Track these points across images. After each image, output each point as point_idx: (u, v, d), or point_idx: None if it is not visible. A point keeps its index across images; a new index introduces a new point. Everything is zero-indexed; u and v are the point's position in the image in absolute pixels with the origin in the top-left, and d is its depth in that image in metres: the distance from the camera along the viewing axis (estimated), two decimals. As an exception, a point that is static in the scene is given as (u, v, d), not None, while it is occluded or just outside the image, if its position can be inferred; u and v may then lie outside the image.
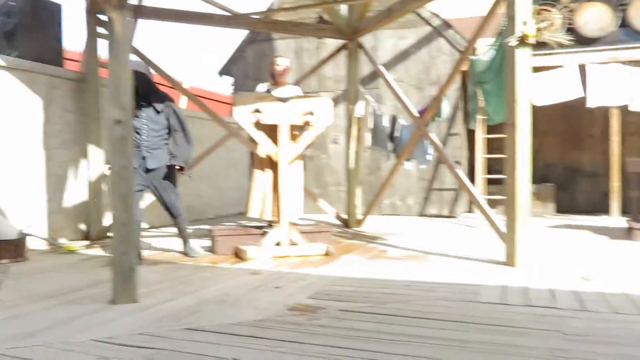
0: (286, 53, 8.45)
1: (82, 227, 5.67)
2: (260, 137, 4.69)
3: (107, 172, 4.48)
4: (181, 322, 2.62)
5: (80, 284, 3.50)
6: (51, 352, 2.21)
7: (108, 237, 5.57)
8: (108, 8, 2.94)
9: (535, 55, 6.87)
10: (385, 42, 8.26)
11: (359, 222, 6.70)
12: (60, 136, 5.38)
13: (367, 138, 6.57)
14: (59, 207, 5.37)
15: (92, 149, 5.64)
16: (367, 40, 7.54)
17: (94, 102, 5.64)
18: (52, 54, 5.51)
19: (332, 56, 6.94)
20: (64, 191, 5.44)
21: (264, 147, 4.74)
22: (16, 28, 5.20)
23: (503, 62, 4.91)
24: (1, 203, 4.74)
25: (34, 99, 5.11)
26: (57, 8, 5.61)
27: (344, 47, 6.72)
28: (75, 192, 5.57)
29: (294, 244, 4.66)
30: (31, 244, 4.75)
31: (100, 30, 5.66)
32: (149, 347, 2.26)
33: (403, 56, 8.20)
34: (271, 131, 4.77)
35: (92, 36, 5.67)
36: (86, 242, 5.46)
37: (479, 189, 6.50)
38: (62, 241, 5.35)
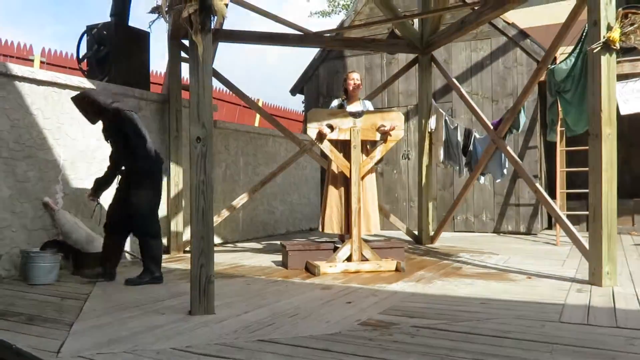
0: (358, 69, 8.53)
1: (163, 241, 5.92)
2: (332, 152, 4.73)
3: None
4: (255, 334, 2.67)
5: (161, 295, 3.65)
6: (134, 358, 2.32)
7: (186, 251, 5.80)
8: (190, 33, 3.09)
9: (621, 61, 6.52)
10: (458, 55, 8.14)
11: (432, 239, 6.57)
12: (143, 154, 5.68)
13: (440, 153, 6.45)
14: (142, 221, 5.65)
15: (172, 166, 5.91)
16: (439, 53, 7.46)
17: (175, 122, 5.93)
18: (140, 77, 5.87)
19: (404, 71, 6.91)
20: (147, 206, 5.72)
21: (337, 162, 4.78)
22: (108, 55, 5.60)
23: (583, 69, 4.70)
24: (91, 218, 5.05)
25: (121, 120, 5.44)
26: (145, 35, 5.98)
27: (416, 61, 6.67)
28: (157, 208, 5.85)
29: (365, 259, 4.63)
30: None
31: (183, 54, 5.97)
32: (224, 357, 2.31)
33: (477, 68, 8.04)
34: (344, 146, 4.81)
35: (175, 60, 5.98)
36: (166, 256, 5.70)
37: (559, 205, 6.19)
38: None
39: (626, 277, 4.12)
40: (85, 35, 5.82)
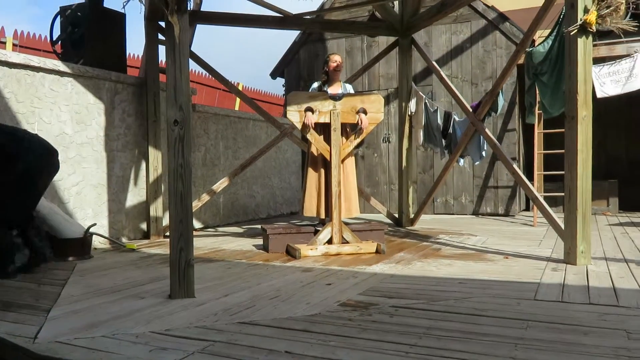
0: (338, 52, 8.48)
1: (142, 226, 5.89)
2: (312, 135, 4.72)
3: None
4: (235, 316, 2.68)
5: (140, 280, 3.63)
6: (113, 342, 2.31)
7: (166, 236, 5.77)
8: (166, 14, 3.04)
9: (597, 45, 6.58)
10: (438, 38, 8.14)
11: (412, 221, 6.63)
12: (121, 139, 5.61)
13: (420, 135, 6.49)
14: (120, 207, 5.61)
15: (151, 150, 5.85)
16: (419, 36, 7.46)
17: (153, 106, 5.85)
18: (116, 60, 5.76)
19: (385, 53, 6.90)
20: (125, 192, 5.67)
21: (317, 145, 4.77)
22: (82, 37, 5.47)
23: (560, 52, 4.74)
24: (68, 203, 5.00)
25: (98, 104, 5.36)
26: (121, 17, 5.85)
27: (396, 44, 6.66)
28: (135, 193, 5.80)
29: (345, 242, 4.66)
30: (95, 242, 4.98)
31: (160, 36, 5.87)
32: (204, 339, 2.31)
33: (457, 51, 8.06)
34: (324, 129, 4.80)
35: (152, 42, 5.88)
36: (146, 241, 5.67)
37: (536, 186, 6.28)
38: (123, 240, 5.59)
39: (600, 256, 4.21)
40: (59, 16, 5.68)
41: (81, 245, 4.54)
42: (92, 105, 5.29)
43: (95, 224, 4.82)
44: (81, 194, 5.15)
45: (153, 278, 3.68)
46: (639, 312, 2.61)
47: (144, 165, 5.88)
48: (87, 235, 4.60)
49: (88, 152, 5.22)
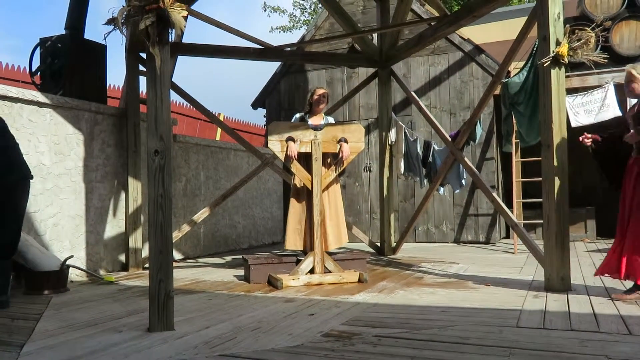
0: (319, 83, 8.62)
1: (121, 258, 5.78)
2: (294, 165, 4.73)
3: None
4: (216, 349, 2.63)
5: (118, 313, 3.55)
6: (89, 377, 2.25)
7: (145, 267, 5.67)
8: (148, 45, 3.06)
9: (570, 76, 6.79)
10: (417, 69, 8.31)
11: (394, 250, 6.63)
12: (100, 169, 5.56)
13: (400, 165, 6.55)
14: (99, 238, 5.51)
15: (130, 181, 5.79)
16: (398, 67, 7.61)
17: (134, 136, 5.82)
18: (96, 91, 5.75)
19: (364, 84, 7.00)
20: (104, 223, 5.59)
21: (298, 174, 4.78)
22: (62, 68, 5.47)
23: (535, 83, 4.87)
24: (44, 235, 4.90)
25: (77, 134, 5.32)
26: (102, 48, 5.87)
27: (375, 75, 6.77)
28: (114, 224, 5.72)
29: (328, 271, 4.63)
30: (72, 275, 4.87)
31: (141, 67, 5.88)
32: (184, 373, 2.26)
33: (435, 82, 8.22)
34: (306, 159, 4.81)
35: (132, 73, 5.88)
36: (124, 273, 5.56)
37: (515, 214, 6.36)
38: (101, 272, 5.48)
39: (580, 282, 4.25)
40: (39, 48, 5.67)
41: (57, 278, 4.43)
42: (71, 135, 5.25)
43: (72, 256, 4.72)
44: (58, 226, 5.06)
45: (131, 311, 3.60)
46: (620, 337, 2.63)
47: (123, 195, 5.82)
48: (64, 268, 4.50)
49: (66, 183, 5.15)
